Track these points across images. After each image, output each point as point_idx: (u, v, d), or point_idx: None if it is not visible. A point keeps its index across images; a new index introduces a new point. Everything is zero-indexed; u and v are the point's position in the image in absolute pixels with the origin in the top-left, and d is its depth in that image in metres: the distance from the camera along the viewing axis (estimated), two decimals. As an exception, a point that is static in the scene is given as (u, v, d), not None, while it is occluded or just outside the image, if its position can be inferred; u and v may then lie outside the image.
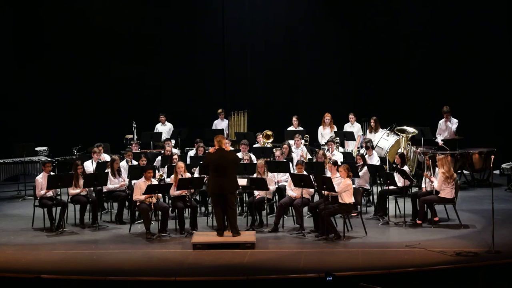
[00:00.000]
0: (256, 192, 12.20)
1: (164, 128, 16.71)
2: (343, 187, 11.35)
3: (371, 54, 18.11)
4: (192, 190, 12.11)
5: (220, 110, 16.97)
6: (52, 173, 12.68)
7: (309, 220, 12.29)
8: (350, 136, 15.51)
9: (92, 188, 12.76)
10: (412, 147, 15.33)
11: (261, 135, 15.25)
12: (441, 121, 15.64)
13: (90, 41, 18.25)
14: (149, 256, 10.65)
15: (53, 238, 11.74)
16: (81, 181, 12.48)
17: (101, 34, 18.23)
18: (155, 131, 16.66)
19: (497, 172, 14.71)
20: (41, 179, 12.32)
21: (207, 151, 14.13)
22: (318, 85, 18.37)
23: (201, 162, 12.47)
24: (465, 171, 15.65)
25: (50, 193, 12.23)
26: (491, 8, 17.30)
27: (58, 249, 11.08)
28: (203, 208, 13.30)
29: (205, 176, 12.64)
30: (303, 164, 12.42)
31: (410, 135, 15.45)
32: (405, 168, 12.65)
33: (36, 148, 16.02)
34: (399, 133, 15.50)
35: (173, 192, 12.08)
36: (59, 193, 12.41)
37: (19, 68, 18.17)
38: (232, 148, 13.70)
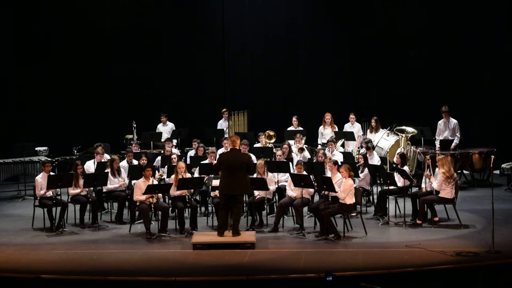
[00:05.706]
0: (256, 192, 12.19)
1: (166, 129, 16.64)
2: (347, 188, 11.33)
3: (371, 54, 18.08)
4: (192, 190, 12.11)
5: (224, 110, 16.80)
6: (52, 173, 12.67)
7: (309, 220, 12.29)
8: (350, 136, 15.49)
9: (92, 188, 12.76)
10: (412, 147, 15.32)
11: (263, 135, 15.22)
12: (440, 121, 15.61)
13: (90, 41, 18.25)
14: (149, 256, 10.65)
15: (53, 238, 11.74)
16: (81, 181, 12.47)
17: (101, 34, 18.24)
18: (156, 131, 16.63)
19: (497, 172, 14.70)
20: (41, 179, 12.31)
21: (207, 151, 14.16)
22: (318, 85, 18.36)
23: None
24: (465, 171, 15.64)
25: (50, 193, 12.23)
26: (491, 8, 17.29)
27: (58, 249, 11.08)
28: (203, 208, 13.29)
29: (205, 176, 12.66)
30: (303, 164, 12.43)
31: (410, 135, 15.45)
32: (405, 168, 12.65)
33: (36, 148, 15.99)
34: (399, 133, 15.50)
35: (173, 192, 12.08)
36: (59, 193, 12.41)
37: (19, 68, 18.16)
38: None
